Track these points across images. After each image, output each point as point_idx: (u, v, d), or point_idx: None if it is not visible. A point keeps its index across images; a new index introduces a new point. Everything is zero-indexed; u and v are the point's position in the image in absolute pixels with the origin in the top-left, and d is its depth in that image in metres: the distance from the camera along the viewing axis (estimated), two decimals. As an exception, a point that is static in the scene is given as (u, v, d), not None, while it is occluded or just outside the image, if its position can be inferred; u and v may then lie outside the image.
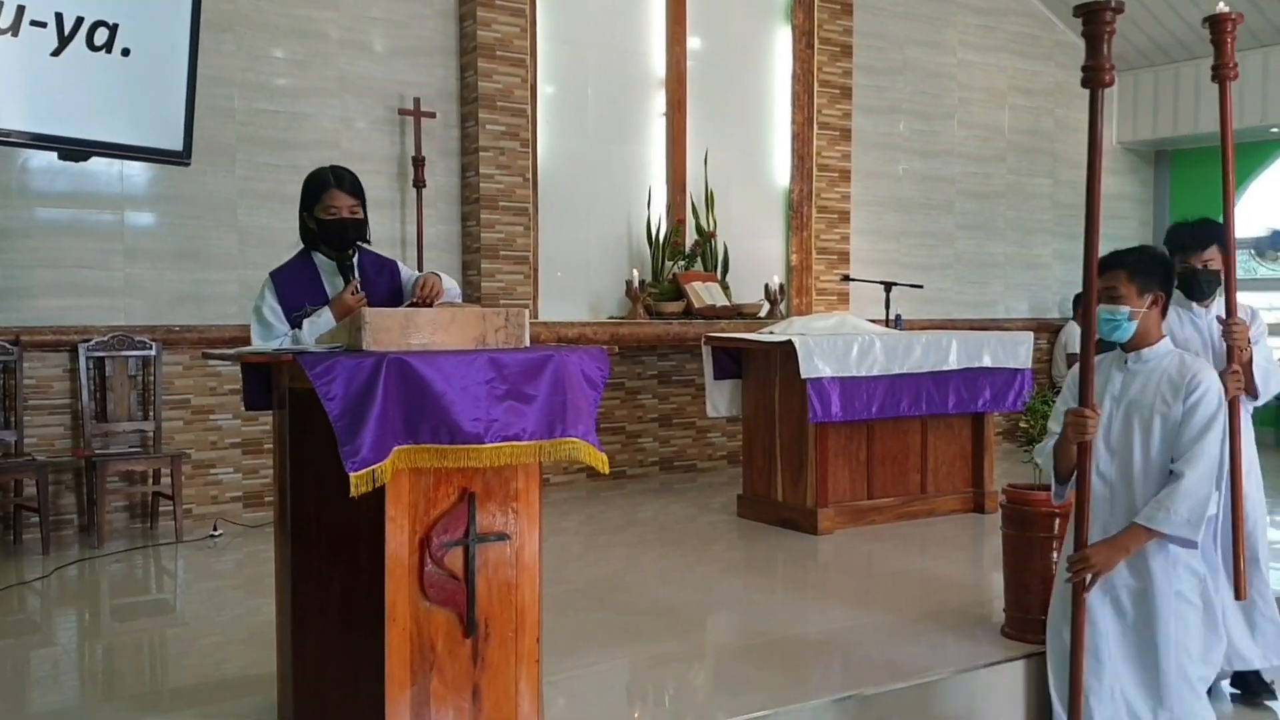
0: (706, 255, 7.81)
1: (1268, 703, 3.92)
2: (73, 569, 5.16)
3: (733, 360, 6.18)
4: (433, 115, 6.83)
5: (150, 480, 6.01)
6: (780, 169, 8.36)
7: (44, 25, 4.81)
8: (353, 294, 3.33)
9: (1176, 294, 3.89)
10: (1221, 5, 3.49)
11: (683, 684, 3.66)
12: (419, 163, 6.75)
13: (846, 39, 8.34)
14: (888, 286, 7.16)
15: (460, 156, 7.02)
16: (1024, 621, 3.88)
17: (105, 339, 5.86)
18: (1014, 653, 3.78)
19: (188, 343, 6.10)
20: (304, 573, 3.11)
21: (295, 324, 3.35)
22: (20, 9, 4.71)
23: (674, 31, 7.84)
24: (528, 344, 2.99)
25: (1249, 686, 3.94)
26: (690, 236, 7.81)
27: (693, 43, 7.91)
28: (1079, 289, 3.44)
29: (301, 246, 3.50)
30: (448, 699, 2.80)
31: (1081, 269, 3.05)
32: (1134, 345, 3.17)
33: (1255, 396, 3.73)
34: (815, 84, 8.19)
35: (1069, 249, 9.74)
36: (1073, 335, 9.05)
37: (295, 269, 3.46)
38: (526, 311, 3.04)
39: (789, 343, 5.60)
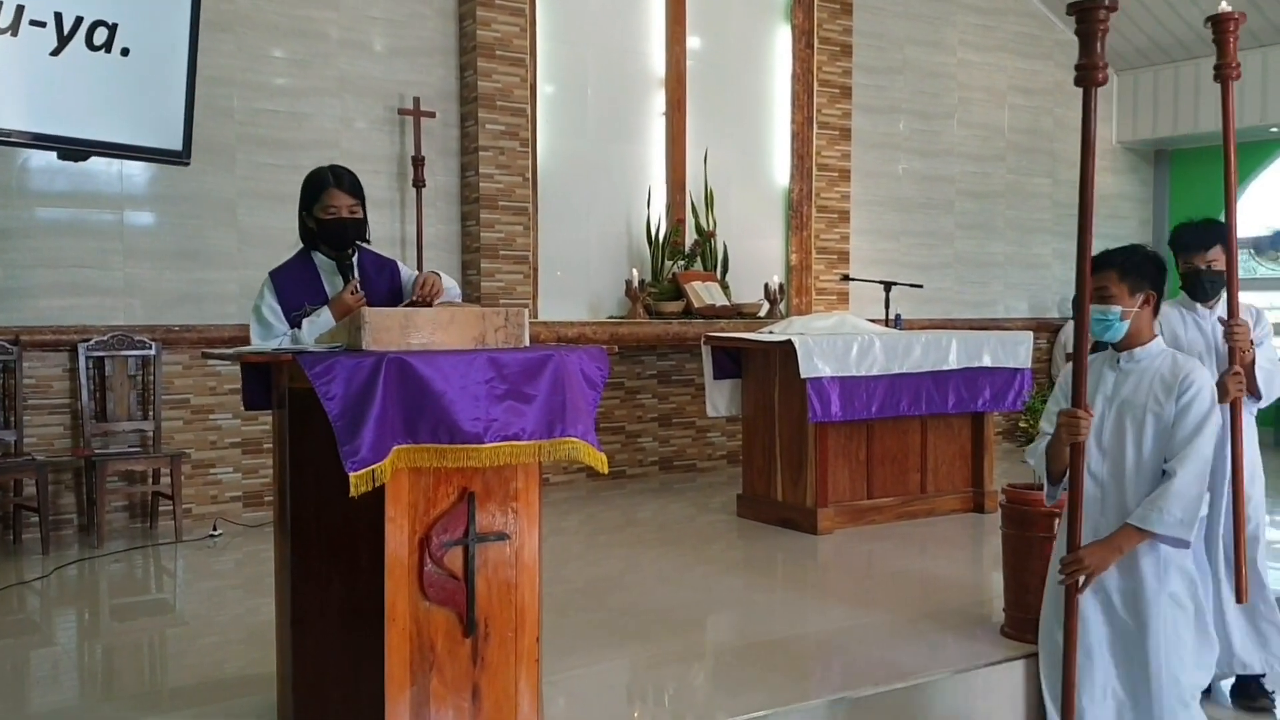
0: (706, 255, 7.81)
1: (1268, 709, 3.88)
2: (72, 569, 5.16)
3: (732, 360, 6.18)
4: (432, 115, 6.83)
5: (150, 480, 6.01)
6: (780, 168, 8.36)
7: (43, 25, 4.82)
8: (352, 294, 3.33)
9: (1181, 295, 3.88)
10: (1224, 5, 3.48)
11: (682, 684, 3.66)
12: (419, 162, 6.75)
13: (846, 38, 8.34)
14: (887, 286, 7.17)
15: (460, 156, 7.01)
16: (1024, 621, 3.86)
17: (105, 339, 5.86)
18: (1014, 653, 3.77)
19: (187, 342, 6.10)
20: (304, 572, 3.11)
21: (295, 324, 3.34)
22: (20, 9, 4.71)
23: (674, 31, 7.83)
24: (527, 343, 2.98)
25: (1250, 692, 3.90)
26: (690, 236, 7.81)
27: (692, 42, 7.91)
28: (1078, 288, 3.43)
29: (301, 246, 3.50)
30: (447, 699, 2.80)
31: (1081, 269, 3.04)
32: (1126, 345, 3.15)
33: (1258, 398, 3.69)
34: (815, 83, 8.19)
35: (1068, 248, 9.71)
36: (1072, 335, 9.04)
37: (295, 269, 3.46)
38: (526, 311, 3.04)
39: (789, 342, 5.59)
